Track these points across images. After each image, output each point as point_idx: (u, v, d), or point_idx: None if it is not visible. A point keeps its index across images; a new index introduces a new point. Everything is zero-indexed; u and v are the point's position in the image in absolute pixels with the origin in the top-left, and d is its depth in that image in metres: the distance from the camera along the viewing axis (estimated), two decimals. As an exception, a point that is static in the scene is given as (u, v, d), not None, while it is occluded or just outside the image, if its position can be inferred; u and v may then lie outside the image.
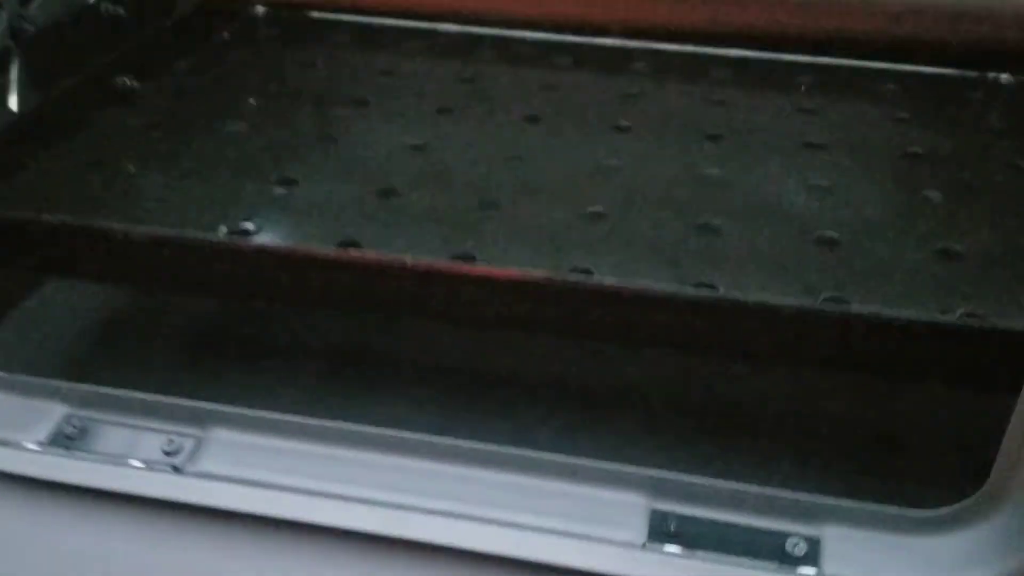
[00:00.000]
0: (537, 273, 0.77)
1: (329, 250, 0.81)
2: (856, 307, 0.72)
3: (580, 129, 1.07)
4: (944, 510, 0.61)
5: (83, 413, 0.69)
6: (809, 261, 0.81)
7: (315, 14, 1.29)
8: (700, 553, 0.62)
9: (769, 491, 0.64)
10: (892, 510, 0.62)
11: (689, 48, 1.25)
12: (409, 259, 0.77)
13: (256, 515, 0.65)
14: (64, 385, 0.70)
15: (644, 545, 0.62)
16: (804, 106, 1.15)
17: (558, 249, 0.82)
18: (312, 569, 0.64)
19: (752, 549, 0.62)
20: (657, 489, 0.65)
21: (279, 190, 0.90)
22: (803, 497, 0.64)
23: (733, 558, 0.62)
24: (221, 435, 0.69)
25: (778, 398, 0.91)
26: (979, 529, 0.60)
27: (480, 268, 0.78)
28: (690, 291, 0.75)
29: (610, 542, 0.62)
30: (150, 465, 0.66)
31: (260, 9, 1.30)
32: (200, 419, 0.68)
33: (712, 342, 0.74)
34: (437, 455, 0.66)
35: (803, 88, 1.20)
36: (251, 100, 1.08)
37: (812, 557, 0.62)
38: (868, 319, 0.70)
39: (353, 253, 0.81)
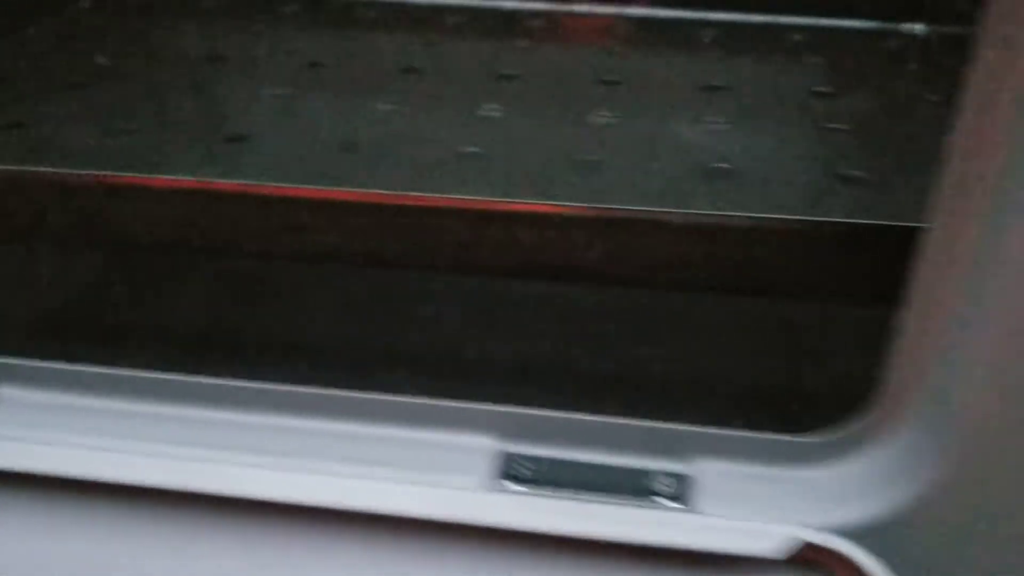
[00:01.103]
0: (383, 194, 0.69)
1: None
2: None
3: (461, 80, 1.00)
4: (830, 436, 0.54)
5: None
6: (697, 189, 0.74)
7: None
8: (554, 492, 0.54)
9: (634, 423, 0.56)
10: (770, 437, 0.55)
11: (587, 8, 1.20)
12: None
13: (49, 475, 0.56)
14: None
15: (490, 487, 0.54)
16: (708, 55, 1.10)
17: (422, 186, 0.74)
18: (115, 527, 0.56)
19: (614, 487, 0.55)
20: (506, 429, 0.57)
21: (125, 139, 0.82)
22: (671, 428, 0.56)
23: (592, 495, 0.54)
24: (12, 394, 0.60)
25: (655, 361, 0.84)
26: (870, 456, 0.52)
27: (324, 191, 0.70)
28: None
29: (452, 487, 0.54)
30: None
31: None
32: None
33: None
34: (252, 404, 0.58)
35: (708, 40, 1.15)
36: (101, 60, 1.00)
37: (681, 494, 0.54)
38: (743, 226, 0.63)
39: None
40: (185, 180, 0.70)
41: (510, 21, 1.21)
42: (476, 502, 0.53)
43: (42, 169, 0.70)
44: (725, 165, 0.79)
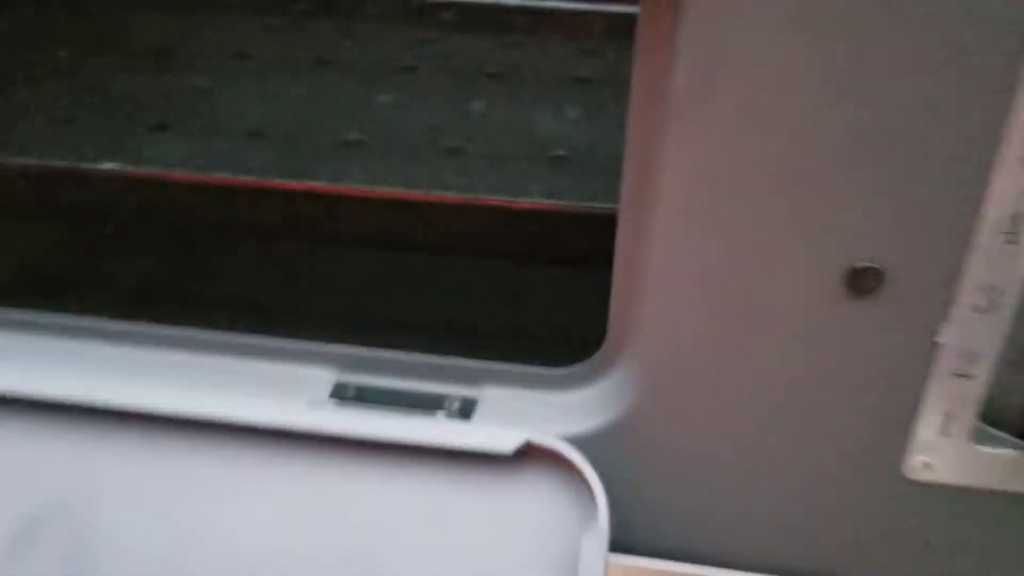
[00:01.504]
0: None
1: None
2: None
3: (368, 71, 1.16)
4: (576, 368, 0.72)
5: None
6: (538, 173, 0.89)
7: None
8: (370, 408, 0.72)
9: (436, 359, 0.74)
10: (537, 370, 0.73)
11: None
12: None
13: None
14: None
15: (323, 406, 0.73)
16: (587, 48, 1.25)
17: (302, 173, 0.91)
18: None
19: (416, 406, 0.73)
20: (343, 364, 0.75)
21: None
22: (464, 363, 0.74)
23: (398, 412, 0.72)
24: None
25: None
26: (595, 386, 0.70)
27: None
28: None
29: (295, 403, 0.73)
30: None
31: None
32: None
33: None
34: (141, 340, 0.76)
35: (597, 31, 1.29)
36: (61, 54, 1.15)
37: (466, 412, 0.72)
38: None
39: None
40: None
41: (423, 12, 1.36)
42: (311, 415, 0.71)
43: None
44: (564, 152, 0.95)
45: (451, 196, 0.81)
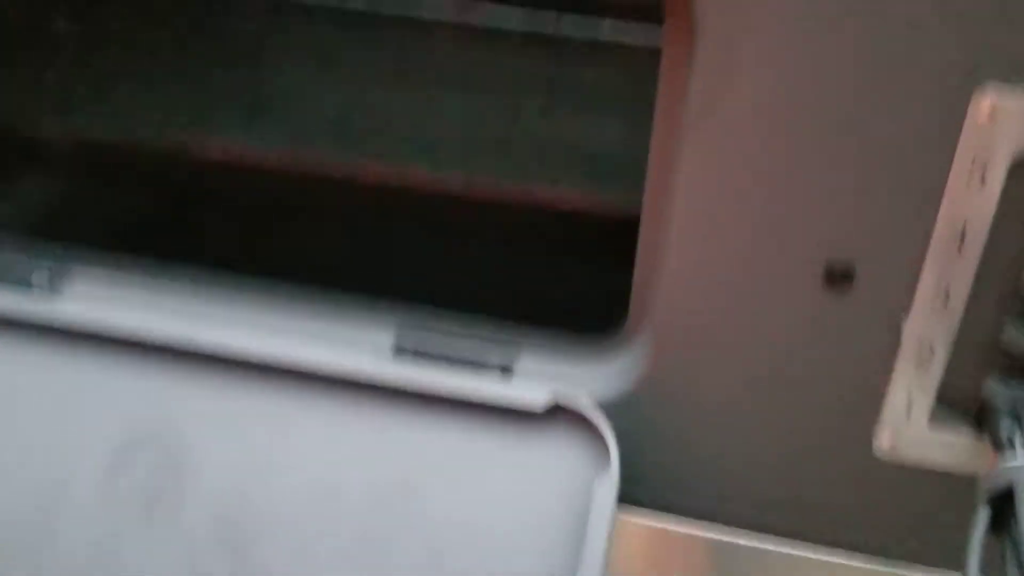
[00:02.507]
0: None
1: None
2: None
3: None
4: (602, 340, 0.83)
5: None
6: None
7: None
8: (425, 362, 0.84)
9: (487, 325, 0.86)
10: (569, 340, 0.85)
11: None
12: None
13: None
14: None
15: (387, 358, 0.85)
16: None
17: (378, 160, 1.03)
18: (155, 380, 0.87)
19: (464, 364, 0.85)
20: (403, 324, 0.88)
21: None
22: (508, 330, 0.86)
23: (448, 367, 0.84)
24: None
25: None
26: (619, 354, 0.82)
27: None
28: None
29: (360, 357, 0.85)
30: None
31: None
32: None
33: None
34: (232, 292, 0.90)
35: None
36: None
37: (506, 372, 0.84)
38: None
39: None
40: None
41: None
42: (375, 366, 0.83)
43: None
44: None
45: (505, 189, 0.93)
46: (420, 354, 0.85)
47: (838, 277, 0.65)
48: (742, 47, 0.61)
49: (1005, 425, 0.67)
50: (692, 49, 0.62)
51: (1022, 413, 0.67)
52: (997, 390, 0.68)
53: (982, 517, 0.62)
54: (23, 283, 0.90)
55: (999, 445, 0.66)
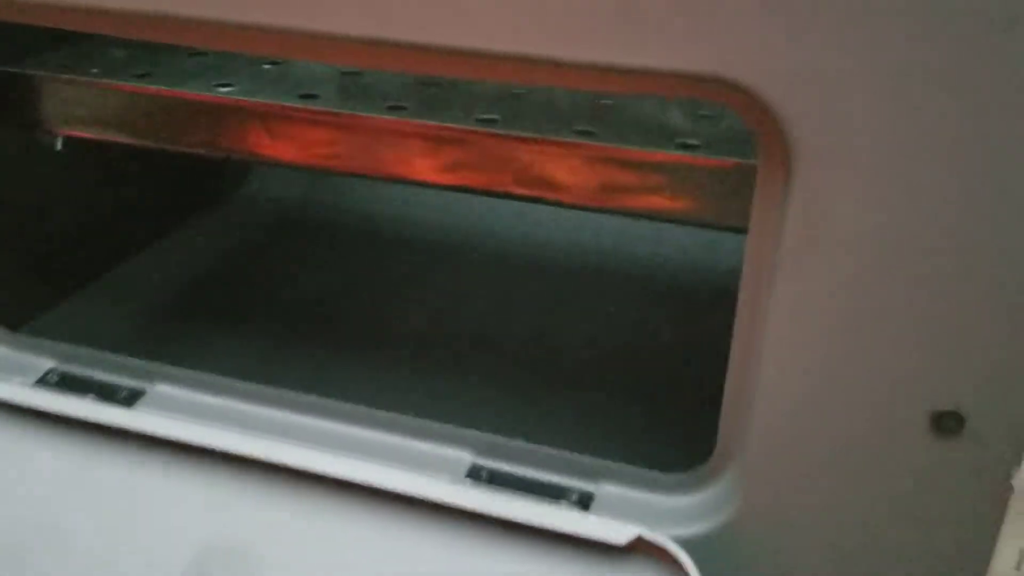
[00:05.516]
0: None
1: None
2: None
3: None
4: (685, 474, 0.80)
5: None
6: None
7: None
8: (500, 491, 0.82)
9: (561, 453, 0.83)
10: (651, 473, 0.81)
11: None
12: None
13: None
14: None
15: (460, 483, 0.83)
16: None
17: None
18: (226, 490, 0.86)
19: (541, 493, 0.82)
20: (478, 448, 0.85)
21: None
22: (586, 459, 0.83)
23: (525, 496, 0.81)
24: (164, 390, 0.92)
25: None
26: (704, 491, 0.78)
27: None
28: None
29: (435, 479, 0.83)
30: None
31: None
32: (148, 375, 0.92)
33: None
34: (310, 410, 0.89)
35: None
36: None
37: (584, 503, 0.81)
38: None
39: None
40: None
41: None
42: (452, 491, 0.80)
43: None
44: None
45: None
46: (495, 480, 0.82)
47: (946, 423, 0.61)
48: (842, 178, 0.58)
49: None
50: (788, 179, 0.60)
51: None
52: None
53: None
54: (107, 395, 0.90)
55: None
